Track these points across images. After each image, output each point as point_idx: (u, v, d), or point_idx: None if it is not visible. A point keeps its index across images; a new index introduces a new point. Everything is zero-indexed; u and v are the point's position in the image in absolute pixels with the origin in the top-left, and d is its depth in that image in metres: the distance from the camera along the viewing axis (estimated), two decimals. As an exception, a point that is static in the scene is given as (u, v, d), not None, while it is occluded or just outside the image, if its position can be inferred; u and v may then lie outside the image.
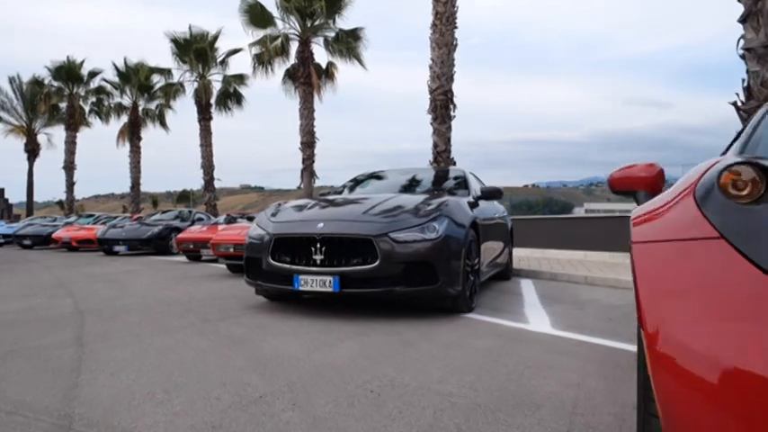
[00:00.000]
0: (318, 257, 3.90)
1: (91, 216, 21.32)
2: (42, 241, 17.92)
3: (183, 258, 11.86)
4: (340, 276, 3.81)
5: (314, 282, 3.87)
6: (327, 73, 17.49)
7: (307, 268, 3.92)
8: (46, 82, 27.72)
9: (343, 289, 3.82)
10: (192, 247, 11.25)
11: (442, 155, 11.38)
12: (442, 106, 11.35)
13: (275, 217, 4.45)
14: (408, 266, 3.78)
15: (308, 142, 16.75)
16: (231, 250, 7.62)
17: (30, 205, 33.07)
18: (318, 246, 3.90)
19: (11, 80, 31.13)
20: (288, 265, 4.02)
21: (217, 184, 22.24)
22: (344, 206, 4.47)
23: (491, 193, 5.32)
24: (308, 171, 16.80)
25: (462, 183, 5.50)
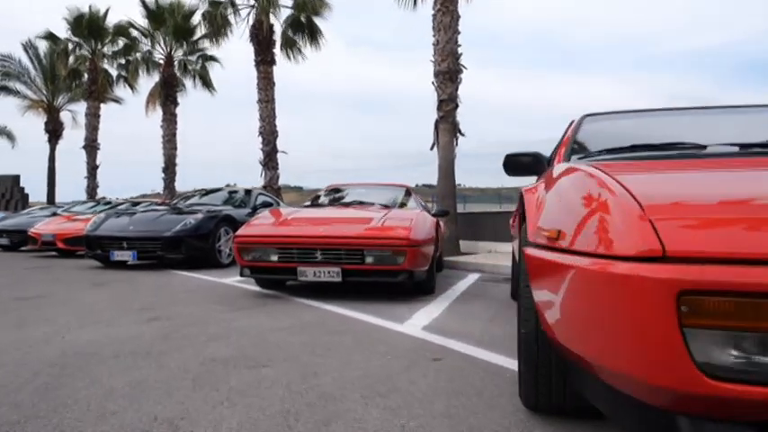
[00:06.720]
0: None
1: (108, 203, 14.92)
2: (26, 240, 11.60)
3: (239, 279, 5.10)
4: None
5: None
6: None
7: None
8: (63, 37, 21.67)
9: None
10: (275, 259, 4.34)
11: None
12: None
13: None
14: None
15: (450, 71, 9.58)
16: None
17: (51, 196, 27.30)
18: None
19: (25, 47, 25.10)
20: None
21: (263, 179, 15.03)
22: None
23: None
24: (447, 122, 9.65)
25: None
